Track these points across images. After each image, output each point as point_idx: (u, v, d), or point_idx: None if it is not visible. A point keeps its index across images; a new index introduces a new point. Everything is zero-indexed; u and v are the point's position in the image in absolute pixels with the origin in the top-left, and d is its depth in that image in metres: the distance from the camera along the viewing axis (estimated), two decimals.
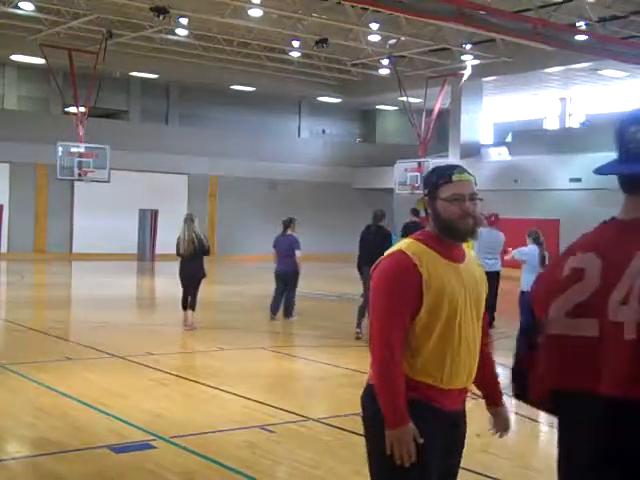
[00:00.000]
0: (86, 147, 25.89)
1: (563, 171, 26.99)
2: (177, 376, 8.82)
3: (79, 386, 8.18)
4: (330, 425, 6.84)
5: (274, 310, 13.97)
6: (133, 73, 32.18)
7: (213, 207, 32.90)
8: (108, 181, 26.53)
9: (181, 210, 32.47)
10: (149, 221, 31.42)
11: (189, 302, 12.72)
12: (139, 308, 17.36)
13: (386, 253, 3.14)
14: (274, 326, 13.60)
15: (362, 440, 6.47)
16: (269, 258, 15.08)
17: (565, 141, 28.65)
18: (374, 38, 27.08)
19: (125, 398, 7.73)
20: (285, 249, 13.97)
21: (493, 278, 11.71)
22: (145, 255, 31.02)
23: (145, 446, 6.07)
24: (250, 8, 23.96)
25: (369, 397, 3.16)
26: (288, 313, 14.05)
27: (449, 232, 3.09)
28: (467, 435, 3.24)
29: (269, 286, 15.42)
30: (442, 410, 3.07)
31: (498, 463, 5.95)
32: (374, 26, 25.22)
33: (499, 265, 13.25)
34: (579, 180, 24.44)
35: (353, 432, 6.67)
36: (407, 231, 13.43)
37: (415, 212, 15.14)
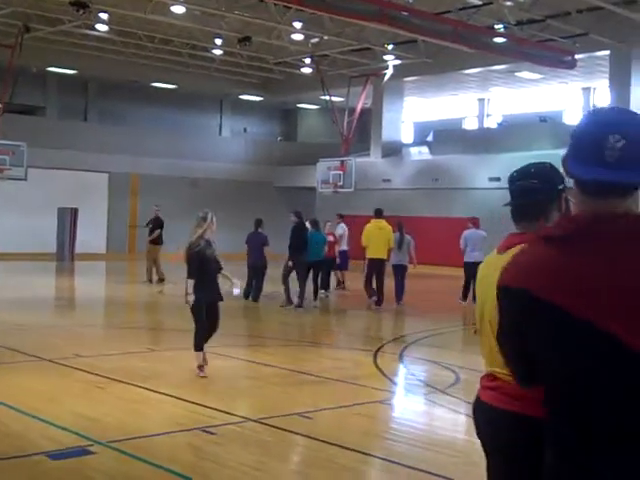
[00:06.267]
0: (1, 144, 25.19)
1: (482, 170, 27.52)
2: (109, 378, 8.63)
3: (7, 391, 7.92)
4: (270, 425, 6.83)
5: (246, 295, 16.14)
6: (51, 68, 31.41)
7: (134, 205, 32.39)
8: (25, 179, 25.92)
9: (102, 208, 32.10)
10: (69, 220, 30.67)
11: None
12: (60, 309, 16.90)
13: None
14: None
15: (302, 439, 6.55)
16: None
17: (484, 141, 29.24)
18: (297, 37, 27.12)
19: (57, 402, 7.54)
20: (256, 245, 16.30)
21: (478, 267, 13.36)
22: (64, 254, 30.26)
23: (82, 451, 5.94)
24: (173, 5, 23.71)
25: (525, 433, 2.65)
26: (256, 298, 16.41)
27: None
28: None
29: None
30: None
31: (443, 460, 6.03)
32: (297, 25, 25.28)
33: (482, 256, 14.29)
34: (498, 179, 24.91)
35: (292, 432, 6.70)
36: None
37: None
